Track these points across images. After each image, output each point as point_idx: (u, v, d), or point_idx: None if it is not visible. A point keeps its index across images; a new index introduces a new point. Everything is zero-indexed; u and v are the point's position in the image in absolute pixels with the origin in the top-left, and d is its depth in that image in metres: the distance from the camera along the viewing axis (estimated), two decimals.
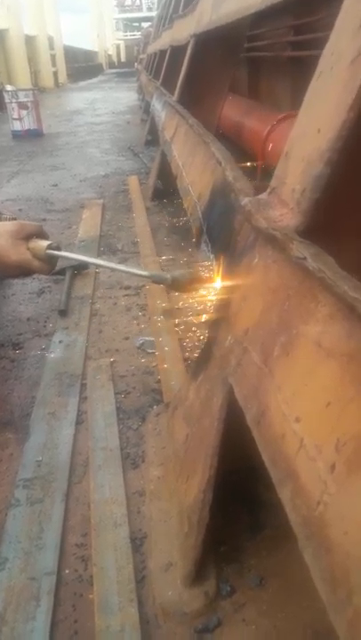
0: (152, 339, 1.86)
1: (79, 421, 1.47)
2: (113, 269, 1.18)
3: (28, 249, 1.19)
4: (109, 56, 37.27)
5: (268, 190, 1.02)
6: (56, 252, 1.21)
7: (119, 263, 2.07)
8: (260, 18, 3.95)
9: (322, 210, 0.85)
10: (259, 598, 0.97)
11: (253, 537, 1.10)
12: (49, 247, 1.20)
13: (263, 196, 1.02)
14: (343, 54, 0.85)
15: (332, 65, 0.88)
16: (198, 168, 2.02)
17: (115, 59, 38.54)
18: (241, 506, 1.17)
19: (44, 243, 1.21)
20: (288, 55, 4.30)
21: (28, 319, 2.07)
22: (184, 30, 4.25)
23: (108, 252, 2.75)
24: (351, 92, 0.80)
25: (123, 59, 39.58)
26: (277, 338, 0.78)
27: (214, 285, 1.12)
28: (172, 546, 1.06)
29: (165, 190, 3.63)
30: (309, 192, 0.85)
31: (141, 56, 17.64)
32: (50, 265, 1.23)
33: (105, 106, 10.92)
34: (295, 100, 4.01)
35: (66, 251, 1.25)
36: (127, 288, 2.28)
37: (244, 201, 1.04)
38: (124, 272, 1.19)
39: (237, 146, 3.82)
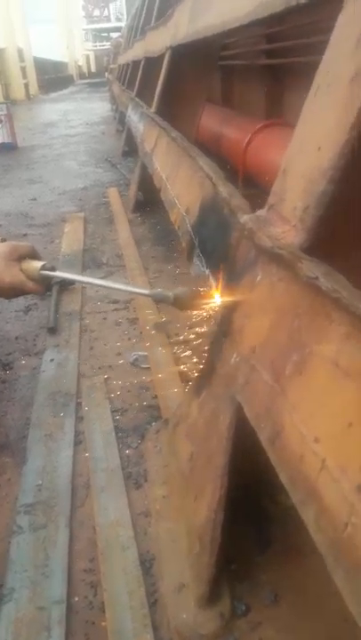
0: (145, 353, 1.85)
1: (77, 442, 1.45)
2: (112, 289, 1.17)
3: (22, 270, 1.18)
4: (79, 67, 37.22)
5: (267, 207, 1.03)
6: (50, 273, 1.21)
7: (110, 279, 2.06)
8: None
9: (325, 227, 0.86)
10: (274, 615, 0.97)
11: (263, 552, 1.10)
12: (43, 268, 1.19)
13: (262, 212, 1.03)
14: (341, 73, 0.86)
15: (329, 83, 0.89)
16: (184, 181, 2.02)
17: (85, 69, 38.50)
18: (247, 521, 1.16)
19: (38, 264, 1.20)
20: (262, 63, 4.35)
21: (17, 338, 2.04)
22: (158, 42, 4.27)
23: (93, 266, 2.73)
24: (352, 111, 0.81)
25: (93, 69, 39.58)
26: (289, 356, 0.78)
27: (215, 302, 1.12)
28: (182, 566, 1.05)
29: (147, 202, 3.64)
30: (313, 209, 0.85)
31: (112, 66, 17.68)
32: (44, 285, 1.22)
33: (78, 117, 10.89)
34: (270, 108, 4.07)
35: (57, 269, 1.25)
36: (116, 302, 2.27)
37: (244, 218, 1.04)
38: (124, 291, 1.18)
39: (217, 155, 3.84)
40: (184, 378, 1.69)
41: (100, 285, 1.19)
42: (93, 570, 1.08)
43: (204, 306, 1.12)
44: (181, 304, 1.11)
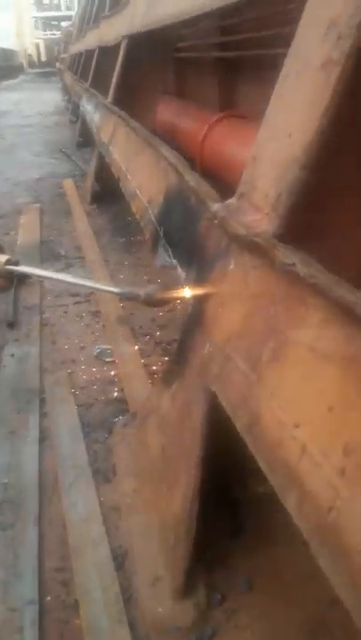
0: (109, 347, 1.82)
1: (42, 439, 1.41)
2: (81, 286, 1.14)
3: None
4: (30, 55, 36.25)
5: (237, 195, 1.02)
6: (16, 268, 1.16)
7: (72, 273, 2.01)
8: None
9: (298, 214, 0.86)
10: (250, 602, 0.97)
11: (235, 540, 1.10)
12: (7, 262, 1.15)
13: (232, 200, 1.02)
14: (310, 60, 0.86)
15: (299, 70, 0.89)
16: (145, 171, 1.99)
17: (35, 58, 37.52)
18: (218, 509, 1.16)
19: (2, 258, 1.16)
20: (215, 56, 4.35)
21: None
22: (113, 31, 4.21)
23: (51, 259, 2.67)
24: (323, 97, 0.81)
25: (43, 58, 38.61)
26: (265, 344, 0.78)
27: (186, 294, 1.10)
28: (156, 560, 1.04)
29: (104, 193, 3.58)
30: (286, 197, 0.85)
31: (63, 55, 17.29)
32: (8, 280, 1.18)
33: (31, 107, 10.61)
34: (223, 101, 4.07)
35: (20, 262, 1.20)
36: (76, 295, 2.22)
37: (215, 207, 1.03)
38: (92, 289, 1.14)
39: (173, 146, 3.81)
40: (149, 371, 1.68)
41: (69, 282, 1.16)
42: (65, 568, 1.05)
43: (174, 301, 1.11)
44: (152, 302, 1.09)
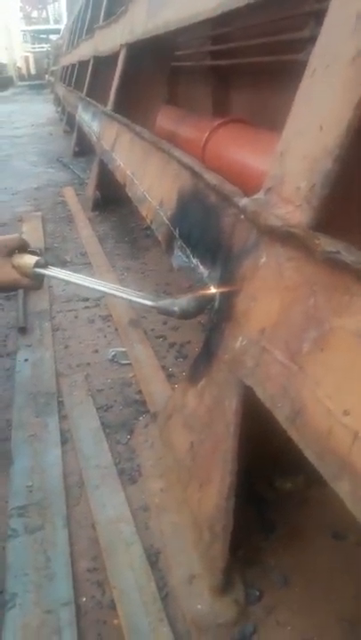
0: (124, 349, 1.82)
1: (64, 441, 1.39)
2: (115, 296, 1.12)
3: (14, 267, 1.12)
4: (19, 68, 36.40)
5: (264, 190, 1.02)
6: (45, 272, 1.14)
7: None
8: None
9: (331, 205, 0.87)
10: (288, 598, 0.97)
11: (268, 537, 1.10)
12: (36, 265, 1.12)
13: (260, 195, 1.03)
14: (340, 53, 0.87)
15: (328, 64, 0.90)
16: (154, 174, 2.00)
17: (25, 71, 37.66)
18: (248, 506, 1.16)
19: (31, 259, 1.13)
20: (208, 64, 4.40)
21: None
22: (109, 40, 4.23)
23: (58, 265, 2.64)
24: (355, 90, 0.82)
25: (33, 71, 38.78)
26: (305, 334, 0.78)
27: (213, 291, 1.10)
28: (190, 558, 1.03)
29: (106, 200, 3.58)
30: (319, 188, 0.86)
31: (53, 68, 17.38)
32: (39, 282, 1.16)
33: (23, 118, 10.63)
34: (217, 108, 4.11)
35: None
36: (86, 300, 2.22)
37: (243, 201, 1.03)
38: (126, 299, 1.12)
39: None
40: (166, 372, 1.67)
41: (102, 291, 1.14)
42: (98, 568, 1.04)
43: (207, 308, 1.10)
44: (188, 315, 1.08)
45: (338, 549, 1.07)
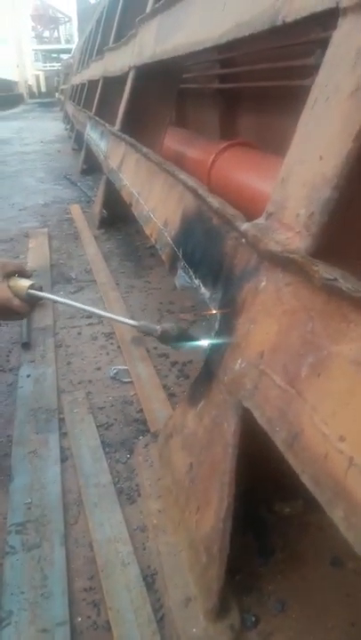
0: (126, 367, 1.83)
1: (64, 458, 1.40)
2: (100, 316, 1.18)
3: (9, 287, 1.15)
4: (30, 86, 37.10)
5: (265, 215, 1.04)
6: (38, 293, 1.18)
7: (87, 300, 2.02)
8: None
9: (330, 232, 0.88)
10: (284, 625, 0.96)
11: (266, 561, 1.09)
12: (31, 287, 1.16)
13: (260, 220, 1.05)
14: (340, 86, 0.90)
15: (328, 95, 0.93)
16: (159, 195, 2.03)
17: (35, 89, 38.37)
18: (246, 530, 1.16)
19: (26, 282, 1.18)
20: (216, 87, 4.48)
21: None
22: (118, 61, 4.32)
23: (62, 281, 2.69)
24: (354, 122, 0.85)
25: (43, 89, 39.50)
26: (303, 359, 0.79)
27: (200, 345, 1.13)
28: (187, 580, 1.03)
29: (112, 218, 3.63)
30: (318, 216, 0.88)
31: (63, 86, 17.69)
32: (30, 305, 1.19)
33: (32, 135, 10.80)
34: (224, 130, 4.17)
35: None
36: (89, 317, 2.23)
37: (244, 226, 1.05)
38: (111, 320, 1.18)
39: None
40: (167, 392, 1.68)
41: (89, 311, 1.19)
42: (94, 588, 1.04)
43: (188, 344, 1.13)
44: (167, 339, 1.12)
45: (336, 576, 1.07)
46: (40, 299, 1.20)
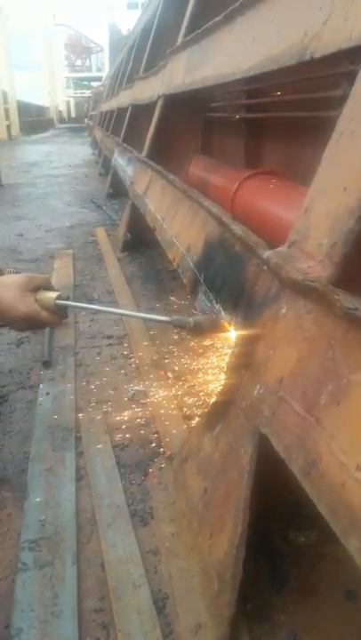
0: (143, 388, 1.84)
1: (79, 477, 1.41)
2: (131, 317, 1.19)
3: (36, 300, 1.18)
4: (60, 112, 38.26)
5: (288, 244, 1.06)
6: (66, 302, 1.21)
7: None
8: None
9: (352, 262, 0.89)
10: None
11: (278, 592, 1.08)
12: (58, 298, 1.19)
13: (283, 248, 1.06)
14: None
15: (354, 129, 0.95)
16: (183, 221, 2.07)
17: (65, 114, 39.55)
18: (259, 560, 1.14)
19: (53, 294, 1.20)
20: (241, 117, 4.57)
21: (10, 371, 2.00)
22: (148, 90, 4.44)
23: (85, 302, 2.73)
24: None
25: (73, 114, 40.69)
26: (323, 387, 0.80)
27: (233, 334, 1.13)
28: (198, 606, 1.02)
29: (135, 242, 3.68)
30: (341, 245, 0.89)
31: (92, 112, 18.19)
32: (60, 316, 1.22)
33: (60, 159, 11.09)
34: (249, 159, 4.23)
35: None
36: (110, 337, 2.26)
37: (267, 254, 1.07)
38: (142, 319, 1.19)
39: None
40: (184, 415, 1.69)
41: (118, 314, 1.21)
42: (104, 609, 1.04)
43: (221, 334, 1.14)
44: (200, 331, 1.13)
45: (350, 610, 1.05)
46: (68, 308, 1.22)
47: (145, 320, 1.21)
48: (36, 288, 1.20)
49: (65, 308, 1.21)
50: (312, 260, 0.95)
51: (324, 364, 0.81)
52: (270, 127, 3.90)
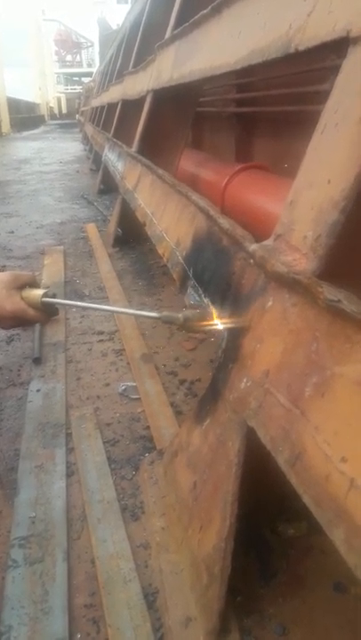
0: (134, 384, 1.84)
1: (69, 473, 1.41)
2: (119, 313, 1.18)
3: (23, 298, 1.17)
4: (51, 108, 38.05)
5: (273, 237, 1.06)
6: (52, 300, 1.20)
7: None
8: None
9: (336, 254, 0.89)
10: None
11: (267, 584, 1.08)
12: (44, 295, 1.18)
13: (269, 242, 1.06)
14: (349, 113, 0.92)
15: (337, 122, 0.95)
16: (172, 215, 2.06)
17: (56, 111, 39.33)
18: (249, 552, 1.15)
19: (39, 291, 1.19)
20: (232, 111, 4.55)
21: (0, 368, 2.00)
22: (137, 85, 4.42)
23: (76, 298, 2.71)
24: None
25: (64, 111, 40.47)
26: (307, 379, 0.80)
27: (221, 326, 1.13)
28: (188, 600, 1.02)
29: (126, 238, 3.67)
30: (325, 238, 0.89)
31: (83, 108, 18.09)
32: (47, 313, 1.21)
33: (52, 155, 11.02)
34: (239, 154, 4.23)
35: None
36: (100, 333, 2.26)
37: (253, 247, 1.07)
38: (131, 315, 1.18)
39: None
40: (175, 409, 1.69)
41: (106, 310, 1.19)
42: (94, 605, 1.04)
43: (210, 328, 1.14)
44: (190, 326, 1.12)
45: (338, 602, 1.06)
46: (55, 307, 1.21)
47: (133, 315, 1.19)
48: (22, 286, 1.19)
49: (52, 305, 1.20)
50: (297, 253, 0.95)
51: (308, 356, 0.81)
52: (261, 121, 3.89)
